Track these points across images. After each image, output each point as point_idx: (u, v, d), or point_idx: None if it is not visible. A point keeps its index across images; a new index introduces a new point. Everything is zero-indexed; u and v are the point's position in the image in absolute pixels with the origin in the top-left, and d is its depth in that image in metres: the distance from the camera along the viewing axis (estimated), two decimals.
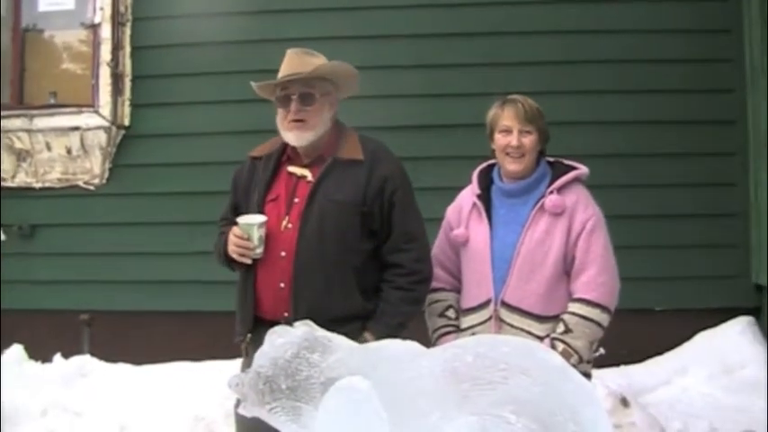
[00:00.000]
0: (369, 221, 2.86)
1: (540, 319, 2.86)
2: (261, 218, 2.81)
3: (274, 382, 2.40)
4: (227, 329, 5.17)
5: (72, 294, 5.68)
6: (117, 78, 5.87)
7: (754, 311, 5.43)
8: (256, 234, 2.80)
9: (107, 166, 5.93)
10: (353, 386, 2.26)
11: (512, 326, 2.86)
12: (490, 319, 2.91)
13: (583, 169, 2.99)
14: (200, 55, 5.92)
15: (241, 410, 2.55)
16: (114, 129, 5.86)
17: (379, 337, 2.73)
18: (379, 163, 2.90)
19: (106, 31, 5.88)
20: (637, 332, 5.10)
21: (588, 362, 2.87)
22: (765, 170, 5.35)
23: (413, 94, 5.65)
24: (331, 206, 2.83)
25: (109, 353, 5.17)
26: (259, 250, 2.82)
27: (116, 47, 5.88)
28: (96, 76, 5.90)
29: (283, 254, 2.84)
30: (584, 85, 5.64)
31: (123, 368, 4.92)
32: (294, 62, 2.91)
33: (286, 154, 2.99)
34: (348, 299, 2.83)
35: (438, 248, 3.12)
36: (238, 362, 4.90)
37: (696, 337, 5.40)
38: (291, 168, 2.94)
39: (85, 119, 5.86)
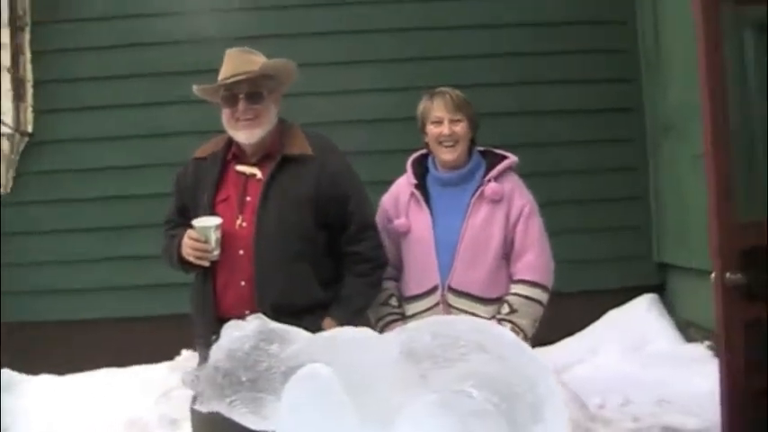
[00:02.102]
0: (322, 215, 2.91)
1: (484, 301, 2.98)
2: (216, 220, 2.82)
3: (234, 375, 2.42)
4: (141, 334, 5.24)
5: None
6: (18, 84, 5.70)
7: (657, 288, 5.73)
8: (213, 236, 2.80)
9: (11, 174, 5.75)
10: (315, 374, 2.30)
11: (459, 310, 2.98)
12: (438, 304, 3.02)
13: (514, 158, 3.14)
14: (102, 58, 5.84)
15: (198, 406, 2.55)
16: (17, 136, 5.70)
17: (340, 322, 2.78)
18: (328, 158, 2.95)
19: (5, 36, 5.68)
20: (549, 315, 5.29)
21: (528, 339, 3.00)
22: (662, 155, 5.65)
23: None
24: (286, 202, 2.86)
25: (24, 365, 5.03)
26: (216, 252, 2.82)
27: (16, 52, 5.70)
28: None
29: (241, 252, 2.86)
30: (485, 79, 5.79)
31: (46, 379, 4.80)
32: (237, 62, 2.92)
33: (231, 153, 2.99)
34: (309, 291, 2.88)
35: None
36: (164, 365, 4.96)
37: (605, 316, 5.65)
38: (240, 167, 2.95)
39: None
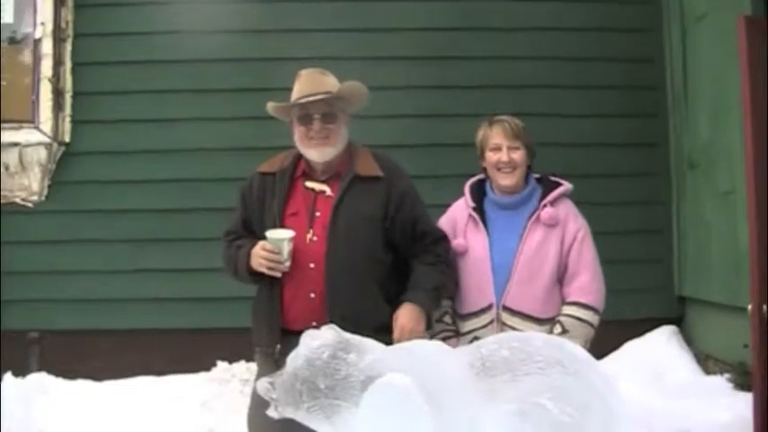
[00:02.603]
0: (390, 234, 3.04)
1: (537, 321, 3.09)
2: (290, 232, 2.92)
3: (312, 383, 2.52)
4: (175, 346, 5.31)
5: (12, 313, 5.54)
6: (58, 94, 5.81)
7: (676, 321, 5.83)
8: (286, 248, 2.91)
9: (46, 182, 5.84)
10: (395, 382, 2.40)
11: (512, 328, 3.08)
12: (492, 322, 3.12)
13: (568, 185, 3.27)
14: (139, 73, 5.94)
15: (271, 413, 2.64)
16: (55, 145, 5.79)
17: (418, 302, 2.97)
18: (396, 179, 3.09)
19: (47, 47, 5.79)
20: None
21: None
22: (686, 190, 5.79)
23: None
24: (356, 219, 2.98)
25: (58, 372, 5.10)
26: (287, 263, 2.92)
27: (57, 62, 5.81)
28: (37, 91, 5.81)
29: (312, 266, 2.96)
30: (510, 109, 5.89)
31: (83, 384, 4.86)
32: (312, 83, 3.05)
33: (300, 169, 3.10)
34: (377, 308, 3.00)
35: None
36: (201, 375, 5.03)
37: (624, 346, 5.73)
38: (309, 184, 3.06)
39: (25, 135, 5.76)
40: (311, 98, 3.00)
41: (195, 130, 5.93)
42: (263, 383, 2.64)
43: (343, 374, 2.51)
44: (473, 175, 3.43)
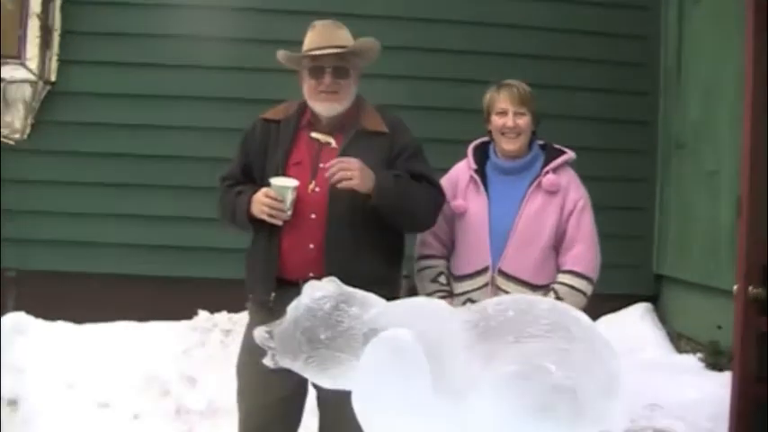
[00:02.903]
0: None
1: (532, 287, 3.12)
2: (294, 181, 2.89)
3: (313, 333, 2.51)
4: (153, 293, 5.29)
5: None
6: (46, 32, 5.69)
7: (651, 299, 5.91)
8: (290, 196, 2.87)
9: (29, 121, 5.74)
10: (398, 337, 2.40)
11: (506, 292, 3.10)
12: (486, 285, 3.14)
13: (571, 154, 3.28)
14: (131, 16, 5.85)
15: (267, 362, 2.63)
16: (40, 83, 5.69)
17: (381, 174, 2.92)
18: (399, 135, 3.07)
19: None
20: None
21: None
22: (671, 169, 5.84)
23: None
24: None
25: (37, 312, 5.05)
26: (289, 212, 2.90)
27: None
28: (24, 27, 5.68)
29: (313, 216, 2.94)
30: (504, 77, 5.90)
31: (63, 326, 4.82)
32: (326, 35, 3.00)
33: (305, 119, 3.07)
34: (374, 262, 2.97)
35: None
36: (182, 323, 5.02)
37: (599, 321, 5.78)
38: (314, 134, 3.03)
39: (10, 71, 5.64)
40: (325, 51, 2.97)
41: (183, 76, 5.86)
42: (261, 332, 2.63)
43: (345, 327, 2.50)
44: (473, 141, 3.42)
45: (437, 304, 2.58)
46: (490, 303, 2.47)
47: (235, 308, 5.01)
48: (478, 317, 2.43)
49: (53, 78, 5.75)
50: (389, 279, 3.05)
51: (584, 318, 2.43)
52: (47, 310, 5.04)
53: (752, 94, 3.67)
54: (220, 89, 5.80)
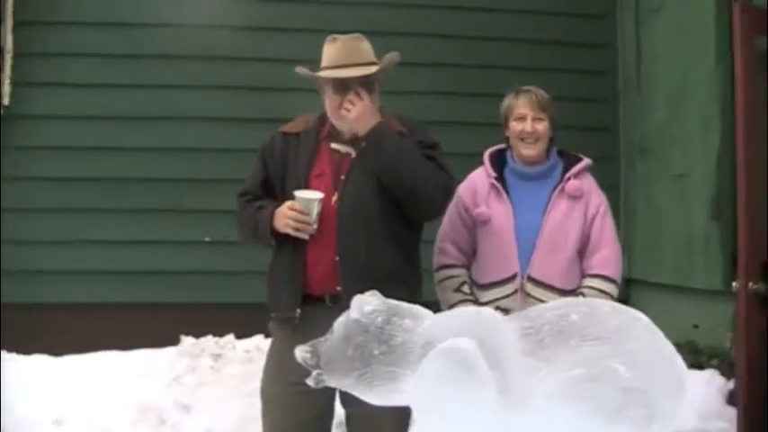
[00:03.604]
0: None
1: (561, 292, 3.10)
2: (319, 194, 2.82)
3: (366, 349, 2.43)
4: (132, 320, 5.12)
5: None
6: None
7: (622, 302, 5.96)
8: (315, 209, 2.81)
9: None
10: (460, 347, 2.35)
11: (536, 298, 3.07)
12: (516, 292, 3.12)
13: (588, 160, 3.31)
14: (86, 35, 5.71)
15: (310, 381, 2.54)
16: None
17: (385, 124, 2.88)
18: (417, 133, 3.02)
19: None
20: None
21: None
22: (637, 174, 5.96)
23: None
24: (374, 179, 2.88)
25: (10, 346, 4.82)
26: (315, 225, 2.83)
27: None
28: None
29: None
30: (461, 87, 6.00)
31: (41, 359, 4.60)
32: (350, 50, 2.94)
33: (326, 131, 3.01)
34: (398, 266, 2.92)
35: (449, 227, 3.27)
36: (170, 349, 4.85)
37: None
38: (335, 145, 2.97)
39: None
40: (352, 72, 2.90)
41: (142, 96, 5.74)
42: (302, 351, 2.54)
43: (399, 340, 2.44)
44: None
45: (488, 313, 2.53)
46: (548, 309, 2.44)
47: (219, 332, 4.90)
48: (534, 324, 2.40)
49: (6, 102, 5.53)
50: (412, 284, 2.99)
51: (645, 318, 2.42)
52: (20, 343, 4.80)
53: (743, 94, 3.74)
54: (177, 107, 5.68)
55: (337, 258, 2.87)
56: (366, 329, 2.46)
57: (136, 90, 5.72)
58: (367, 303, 2.49)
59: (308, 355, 2.55)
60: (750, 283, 3.72)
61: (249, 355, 4.70)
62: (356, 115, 2.82)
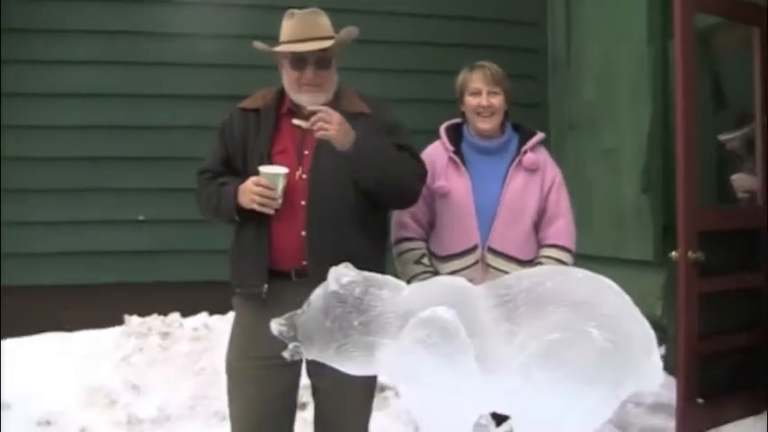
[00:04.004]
0: None
1: (520, 262, 3.19)
2: (284, 169, 2.80)
3: (345, 320, 2.46)
4: (74, 301, 4.99)
5: None
6: None
7: None
8: (281, 184, 2.79)
9: None
10: (440, 316, 2.40)
11: (496, 269, 3.16)
12: (477, 263, 3.18)
13: (542, 134, 3.40)
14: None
15: (286, 354, 2.56)
16: None
17: (360, 134, 2.85)
18: (382, 113, 3.03)
19: None
20: None
21: None
22: (567, 150, 6.11)
23: None
24: (341, 155, 2.87)
25: None
26: (280, 200, 2.81)
27: None
28: None
29: (303, 203, 2.86)
30: (394, 65, 6.05)
31: None
32: (308, 25, 2.92)
33: (286, 106, 3.00)
34: (364, 242, 2.92)
35: None
36: (115, 329, 4.76)
37: None
38: (296, 121, 2.94)
39: None
40: (309, 46, 2.88)
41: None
42: (278, 324, 2.55)
43: (378, 311, 2.47)
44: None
45: (461, 282, 2.58)
46: (524, 276, 2.50)
47: (162, 311, 4.84)
48: (511, 291, 2.46)
49: None
50: (377, 259, 3.00)
51: (615, 285, 2.51)
52: None
53: (682, 71, 3.88)
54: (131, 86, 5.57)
55: (304, 233, 2.87)
56: (344, 301, 2.48)
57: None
58: (344, 275, 2.51)
59: (285, 328, 2.56)
60: (689, 252, 3.89)
61: (197, 332, 4.65)
62: (334, 133, 2.79)
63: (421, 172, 3.05)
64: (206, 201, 3.00)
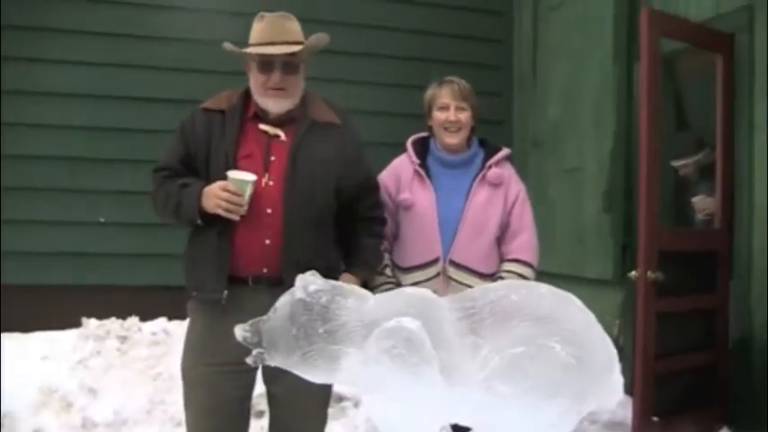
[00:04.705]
0: (341, 178, 2.97)
1: (481, 276, 3.22)
2: (253, 175, 2.76)
3: (310, 327, 2.46)
4: (30, 301, 4.91)
5: None
6: None
7: None
8: (248, 191, 2.76)
9: None
10: (405, 326, 2.41)
11: (458, 282, 3.19)
12: (438, 275, 3.21)
13: (508, 149, 3.43)
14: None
15: (249, 360, 2.55)
16: None
17: (362, 276, 2.97)
18: (350, 126, 3.04)
19: None
20: None
21: None
22: (529, 167, 6.17)
23: None
24: (315, 165, 2.88)
25: None
26: (245, 207, 2.79)
27: None
28: None
29: (269, 211, 2.84)
30: (362, 76, 6.09)
31: None
32: (276, 29, 2.90)
33: (251, 110, 2.97)
34: (327, 253, 2.93)
35: None
36: (72, 332, 4.69)
37: None
38: (263, 126, 2.93)
39: None
40: (277, 50, 2.86)
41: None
42: (242, 329, 2.54)
43: (343, 319, 2.47)
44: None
45: (427, 294, 2.58)
46: (489, 290, 2.52)
47: (120, 315, 4.79)
48: (477, 304, 2.48)
49: None
50: (338, 269, 3.02)
51: (577, 300, 2.54)
52: None
53: (647, 94, 3.95)
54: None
55: (268, 241, 2.86)
56: (310, 308, 2.48)
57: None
58: (312, 283, 2.51)
59: (249, 334, 2.54)
60: (649, 272, 3.95)
61: (155, 337, 4.60)
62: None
63: (383, 226, 3.18)
64: (163, 200, 2.92)
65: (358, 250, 3.04)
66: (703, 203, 4.71)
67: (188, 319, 3.03)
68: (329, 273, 2.77)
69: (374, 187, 3.12)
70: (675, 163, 5.04)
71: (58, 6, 5.48)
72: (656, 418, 4.05)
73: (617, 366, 2.46)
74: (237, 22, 5.45)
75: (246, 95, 3.01)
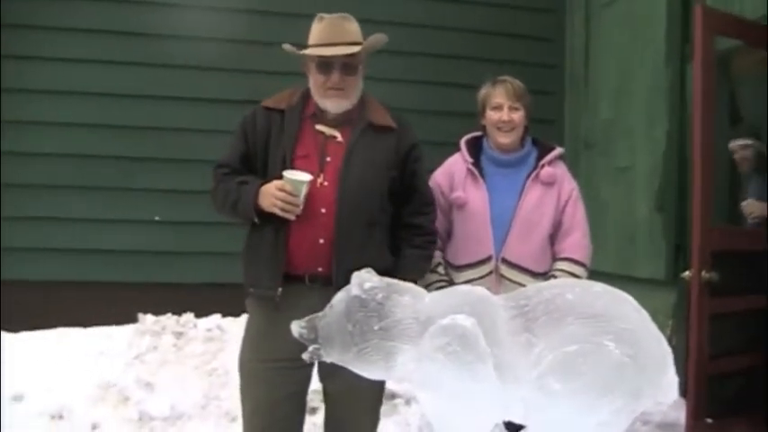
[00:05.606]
0: (395, 184, 3.01)
1: (533, 274, 3.23)
2: (308, 176, 2.82)
3: (366, 324, 2.51)
4: (87, 298, 5.03)
5: None
6: None
7: None
8: (304, 191, 2.81)
9: None
10: (460, 323, 2.44)
11: (510, 280, 3.20)
12: (490, 273, 3.23)
13: (561, 149, 3.45)
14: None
15: (305, 356, 2.60)
16: None
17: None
18: (406, 132, 3.07)
19: None
20: None
21: None
22: (581, 167, 6.14)
23: None
24: (368, 168, 2.93)
25: None
26: (301, 207, 2.84)
27: None
28: None
29: (323, 210, 2.89)
30: (414, 76, 6.10)
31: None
32: (336, 30, 2.95)
33: (310, 110, 3.02)
34: (381, 255, 2.96)
35: None
36: (129, 327, 4.80)
37: None
38: (320, 127, 2.98)
39: None
40: (336, 51, 2.92)
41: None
42: (298, 326, 2.60)
43: (399, 316, 2.52)
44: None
45: (482, 291, 2.62)
46: (544, 288, 2.54)
47: (175, 311, 4.88)
48: (531, 302, 2.50)
49: None
50: (393, 271, 3.05)
51: (632, 298, 2.55)
52: None
53: (701, 93, 3.92)
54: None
55: (322, 241, 2.90)
56: (366, 305, 2.53)
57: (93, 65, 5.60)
58: (367, 280, 2.55)
59: (305, 331, 2.60)
60: (703, 272, 3.92)
61: (210, 333, 4.68)
62: None
63: (434, 241, 3.20)
64: (223, 197, 2.99)
65: (404, 259, 3.06)
66: (752, 207, 4.65)
67: (244, 317, 3.10)
68: (384, 274, 2.81)
69: (421, 193, 3.11)
70: (737, 143, 4.89)
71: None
72: (710, 420, 4.02)
73: (672, 366, 2.46)
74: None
75: (307, 95, 3.06)
